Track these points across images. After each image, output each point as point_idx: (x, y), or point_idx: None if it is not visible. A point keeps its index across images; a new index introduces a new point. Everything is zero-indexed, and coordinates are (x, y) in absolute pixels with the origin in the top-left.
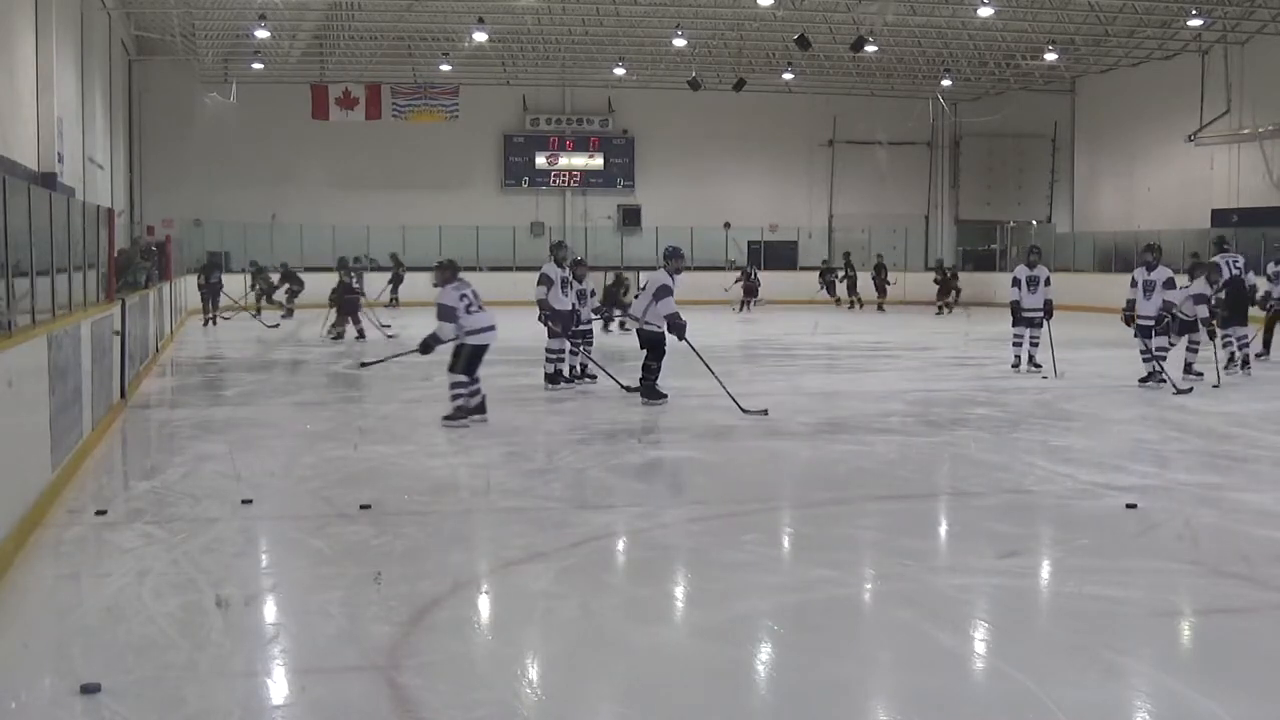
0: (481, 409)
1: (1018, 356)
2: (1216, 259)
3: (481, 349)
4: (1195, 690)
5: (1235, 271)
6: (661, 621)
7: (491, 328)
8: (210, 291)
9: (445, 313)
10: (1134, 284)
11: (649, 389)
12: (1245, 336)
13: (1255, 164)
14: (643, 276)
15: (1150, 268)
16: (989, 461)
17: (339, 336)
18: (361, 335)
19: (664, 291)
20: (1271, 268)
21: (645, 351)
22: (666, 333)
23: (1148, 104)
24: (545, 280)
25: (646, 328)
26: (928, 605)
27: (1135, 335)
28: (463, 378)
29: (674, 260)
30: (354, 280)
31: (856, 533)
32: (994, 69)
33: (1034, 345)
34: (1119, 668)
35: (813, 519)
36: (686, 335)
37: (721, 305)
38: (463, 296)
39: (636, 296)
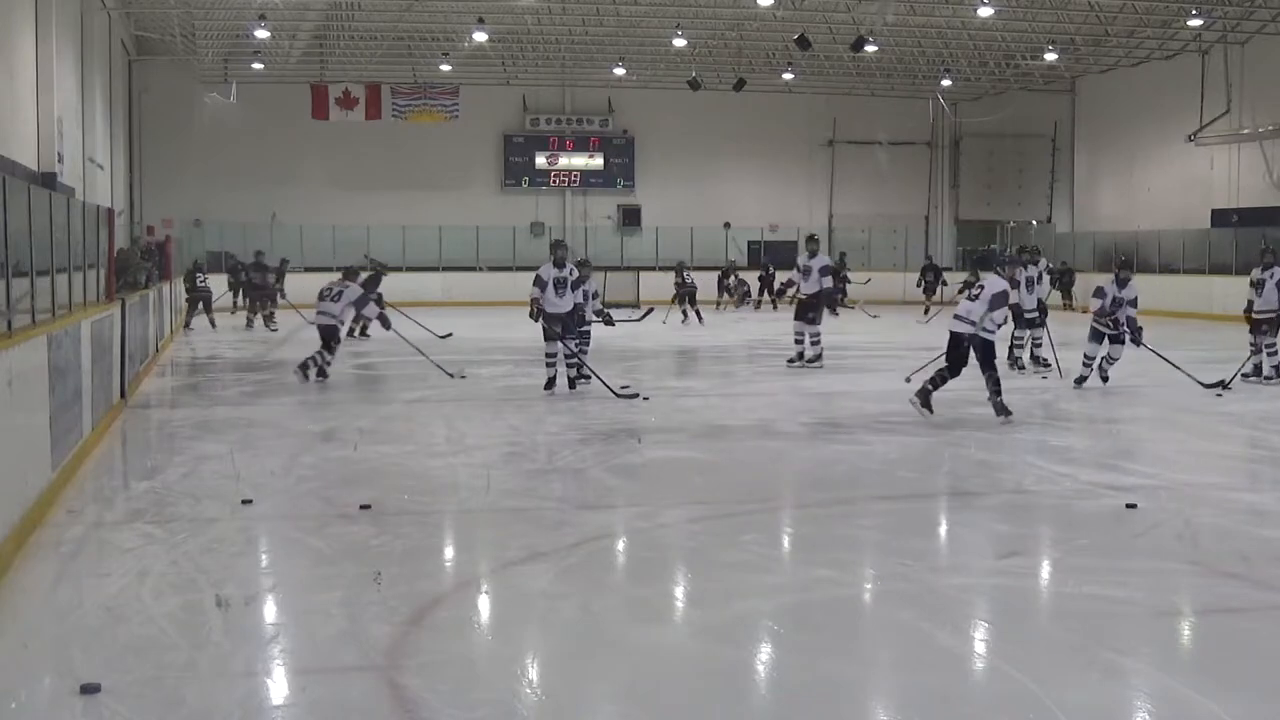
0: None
1: (1018, 357)
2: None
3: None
4: (1195, 690)
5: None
6: (661, 621)
7: None
8: (257, 291)
9: None
10: (1014, 284)
11: (1000, 404)
12: (1273, 345)
13: (1255, 164)
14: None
15: (1026, 266)
16: (989, 461)
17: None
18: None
19: (1000, 300)
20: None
21: (979, 361)
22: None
23: (1148, 104)
24: (538, 281)
25: (983, 334)
26: (928, 605)
27: (1018, 328)
28: None
29: (1011, 267)
30: (202, 279)
31: (856, 533)
32: (994, 69)
33: (1037, 345)
34: (1119, 668)
35: (813, 519)
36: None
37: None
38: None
39: (972, 296)
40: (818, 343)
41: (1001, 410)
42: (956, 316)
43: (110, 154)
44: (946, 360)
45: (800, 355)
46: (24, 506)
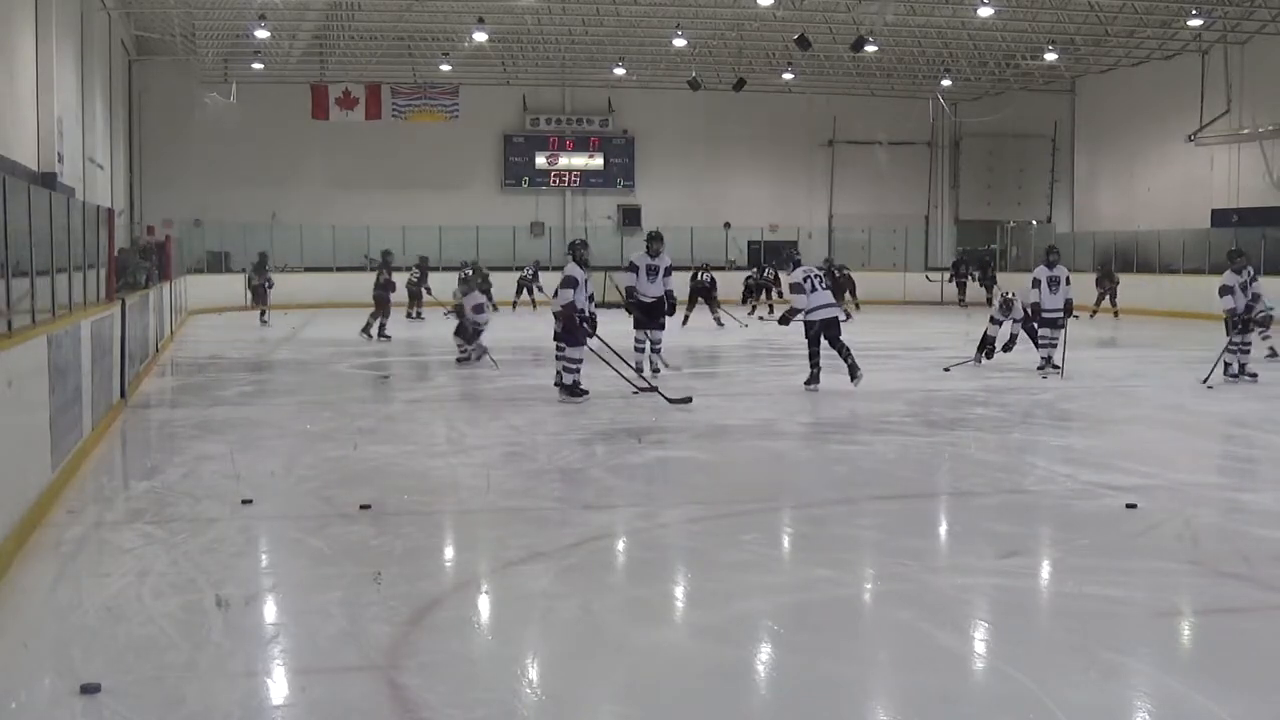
0: None
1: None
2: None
3: None
4: (1195, 690)
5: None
6: (661, 621)
7: None
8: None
9: None
10: (1036, 283)
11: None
12: (1247, 344)
13: (1255, 164)
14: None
15: (1051, 265)
16: (989, 461)
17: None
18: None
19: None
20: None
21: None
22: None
23: (1148, 104)
24: (570, 283)
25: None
26: (928, 605)
27: (1040, 326)
28: None
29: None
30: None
31: (856, 533)
32: (994, 69)
33: (1052, 346)
34: (1119, 668)
35: (813, 519)
36: None
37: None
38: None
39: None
40: (658, 350)
41: (857, 370)
42: (832, 305)
43: (110, 154)
44: (820, 342)
45: (639, 367)
46: (24, 506)
